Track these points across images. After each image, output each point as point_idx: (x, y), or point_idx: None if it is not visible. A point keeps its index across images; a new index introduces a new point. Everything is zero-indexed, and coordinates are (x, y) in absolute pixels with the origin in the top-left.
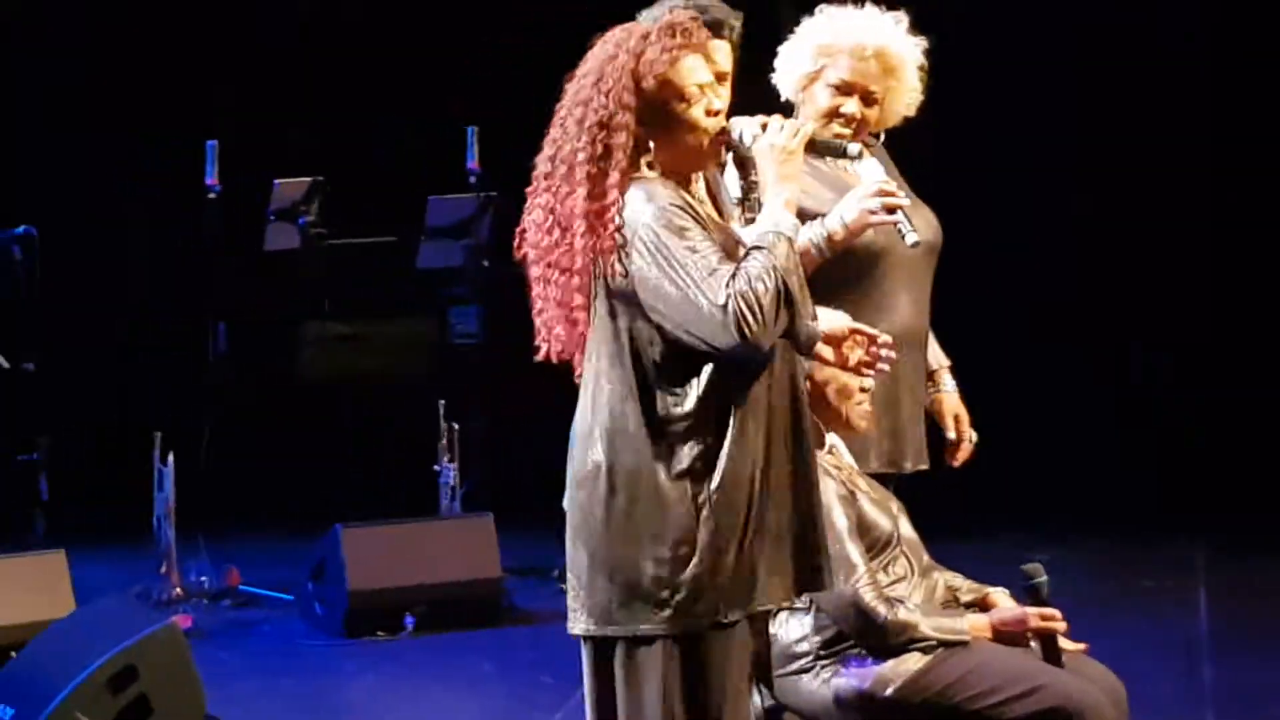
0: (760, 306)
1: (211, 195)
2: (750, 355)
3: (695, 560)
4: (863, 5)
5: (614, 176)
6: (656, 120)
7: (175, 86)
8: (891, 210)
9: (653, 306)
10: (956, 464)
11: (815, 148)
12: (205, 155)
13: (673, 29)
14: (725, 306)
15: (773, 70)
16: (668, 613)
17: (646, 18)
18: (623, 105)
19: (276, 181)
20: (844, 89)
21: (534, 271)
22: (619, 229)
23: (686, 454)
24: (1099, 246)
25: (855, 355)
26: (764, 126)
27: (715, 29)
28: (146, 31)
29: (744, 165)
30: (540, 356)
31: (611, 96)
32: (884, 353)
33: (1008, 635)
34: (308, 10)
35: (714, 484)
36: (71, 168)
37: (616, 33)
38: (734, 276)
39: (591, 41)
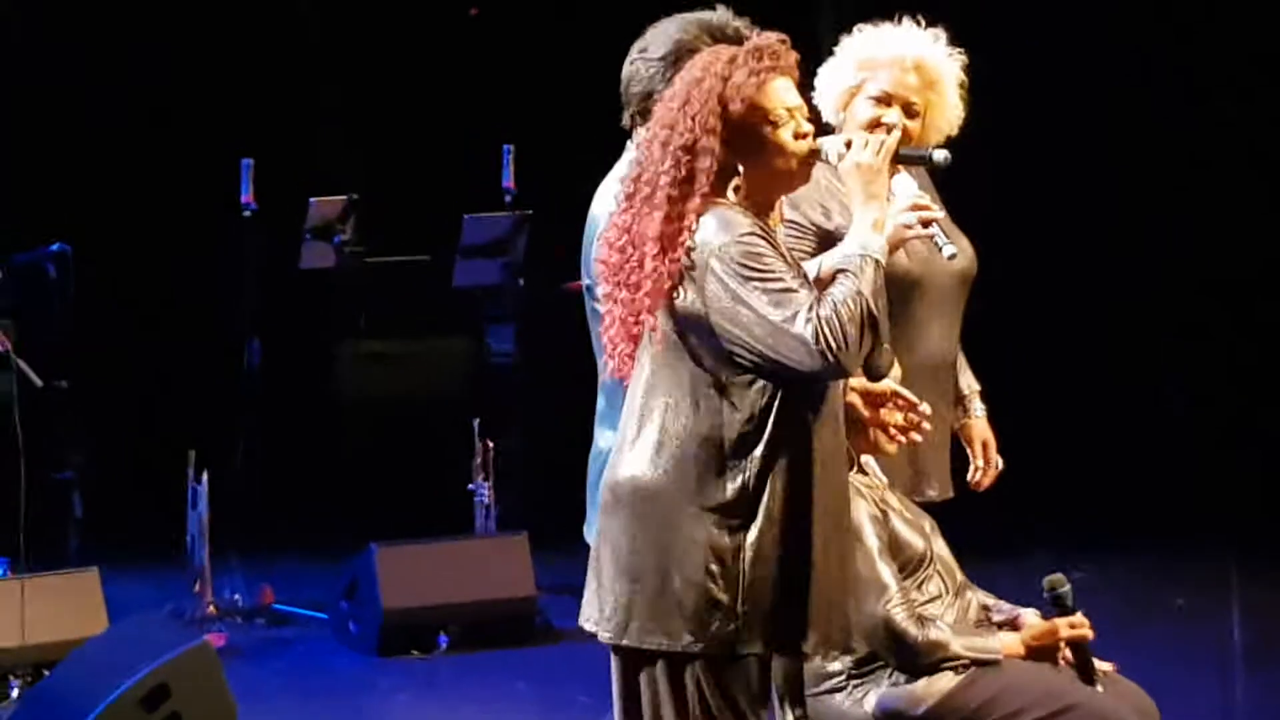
0: (847, 330)
1: (247, 214)
2: (835, 378)
3: (734, 583)
4: (900, 22)
5: (694, 200)
6: (744, 144)
7: (211, 104)
8: (927, 224)
9: (729, 330)
10: (981, 490)
11: (900, 159)
12: (241, 173)
13: (760, 52)
14: (812, 329)
15: (813, 90)
16: (696, 632)
17: (662, 32)
18: (707, 129)
19: (312, 200)
20: (885, 100)
21: (604, 289)
22: (689, 251)
23: (732, 481)
24: (1130, 254)
25: (894, 418)
26: (848, 145)
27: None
28: (182, 50)
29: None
30: (609, 374)
31: (697, 120)
32: (924, 425)
33: (1040, 650)
34: (343, 29)
35: (758, 516)
36: (106, 185)
37: (704, 55)
38: (819, 300)
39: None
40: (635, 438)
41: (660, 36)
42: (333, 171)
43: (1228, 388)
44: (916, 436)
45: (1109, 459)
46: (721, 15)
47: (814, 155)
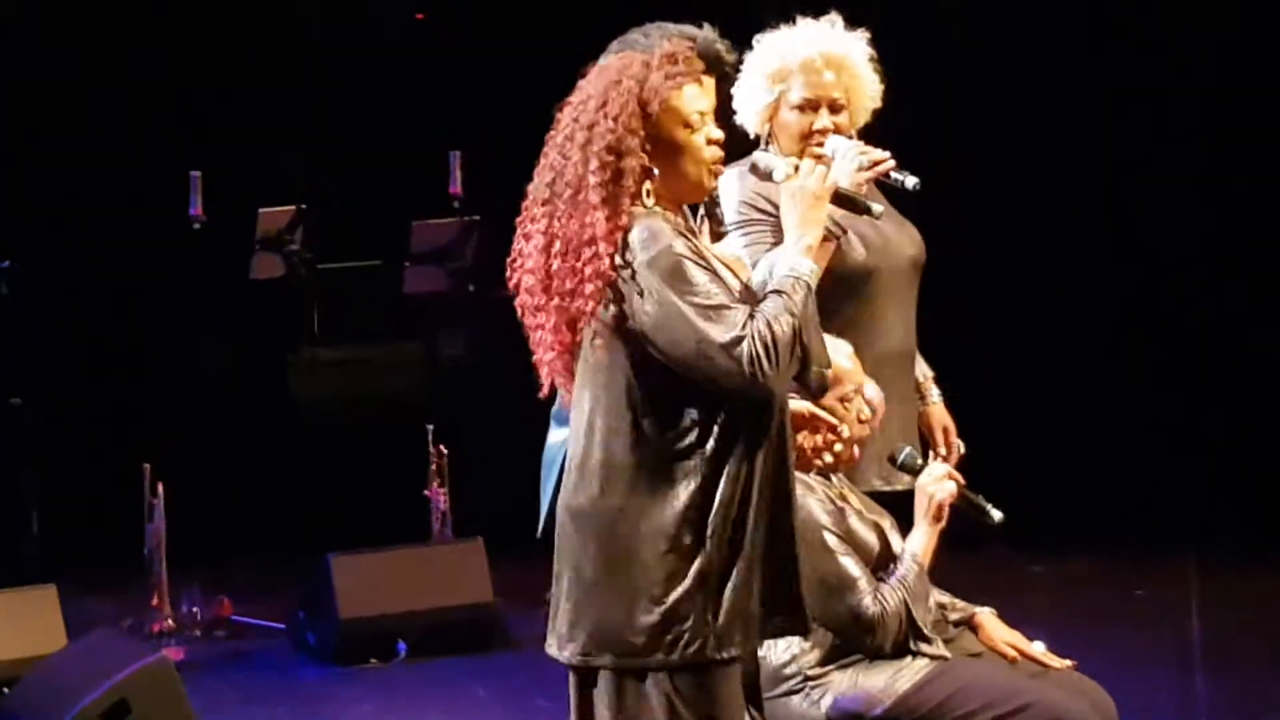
0: (775, 349)
1: (196, 226)
2: (757, 396)
3: (694, 596)
4: (794, 23)
5: (626, 201)
6: (660, 147)
7: (158, 118)
8: (877, 163)
9: (658, 343)
10: None
11: (838, 199)
12: (189, 186)
13: (674, 57)
14: (739, 347)
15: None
16: (664, 647)
17: (627, 43)
18: (630, 130)
19: (260, 211)
20: (809, 105)
21: (530, 300)
22: (623, 258)
23: (684, 490)
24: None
25: (811, 441)
26: (796, 169)
27: (710, 63)
28: (128, 63)
29: (712, 198)
30: (544, 394)
31: (620, 122)
32: (836, 447)
33: (937, 517)
34: (287, 38)
35: (712, 519)
36: (55, 201)
37: (615, 60)
38: (751, 318)
39: (583, 70)
40: (583, 460)
41: (622, 45)
42: (280, 182)
43: (1189, 382)
44: (828, 457)
45: (1067, 454)
46: (708, 34)
47: (719, 164)
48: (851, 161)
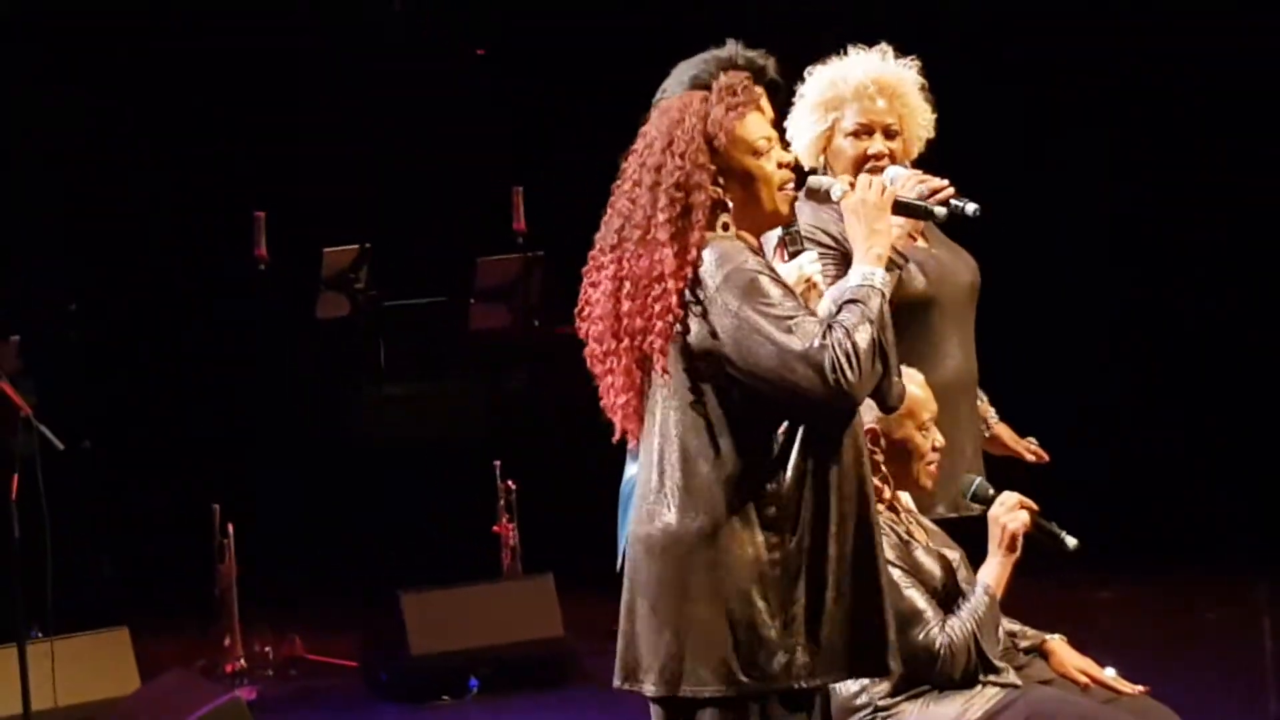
0: (857, 357)
1: (261, 266)
2: (842, 408)
3: (780, 621)
4: (845, 54)
5: (695, 235)
6: (731, 177)
7: (221, 159)
8: (936, 191)
9: (737, 360)
10: (1047, 461)
11: (899, 209)
12: (254, 226)
13: (732, 88)
14: (821, 356)
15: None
16: (743, 676)
17: (687, 71)
18: (698, 165)
19: (325, 250)
20: (863, 131)
21: (598, 348)
22: (693, 287)
23: (765, 515)
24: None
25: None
26: (852, 184)
27: (769, 89)
28: (191, 105)
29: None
30: (616, 439)
31: (687, 158)
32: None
33: (1011, 546)
34: (349, 77)
35: (793, 545)
36: (121, 243)
37: (675, 101)
38: (830, 328)
39: (644, 118)
40: (660, 487)
41: (678, 78)
42: (345, 221)
43: (1263, 406)
44: (886, 494)
45: (1136, 476)
46: (730, 48)
47: (797, 183)
48: (911, 190)
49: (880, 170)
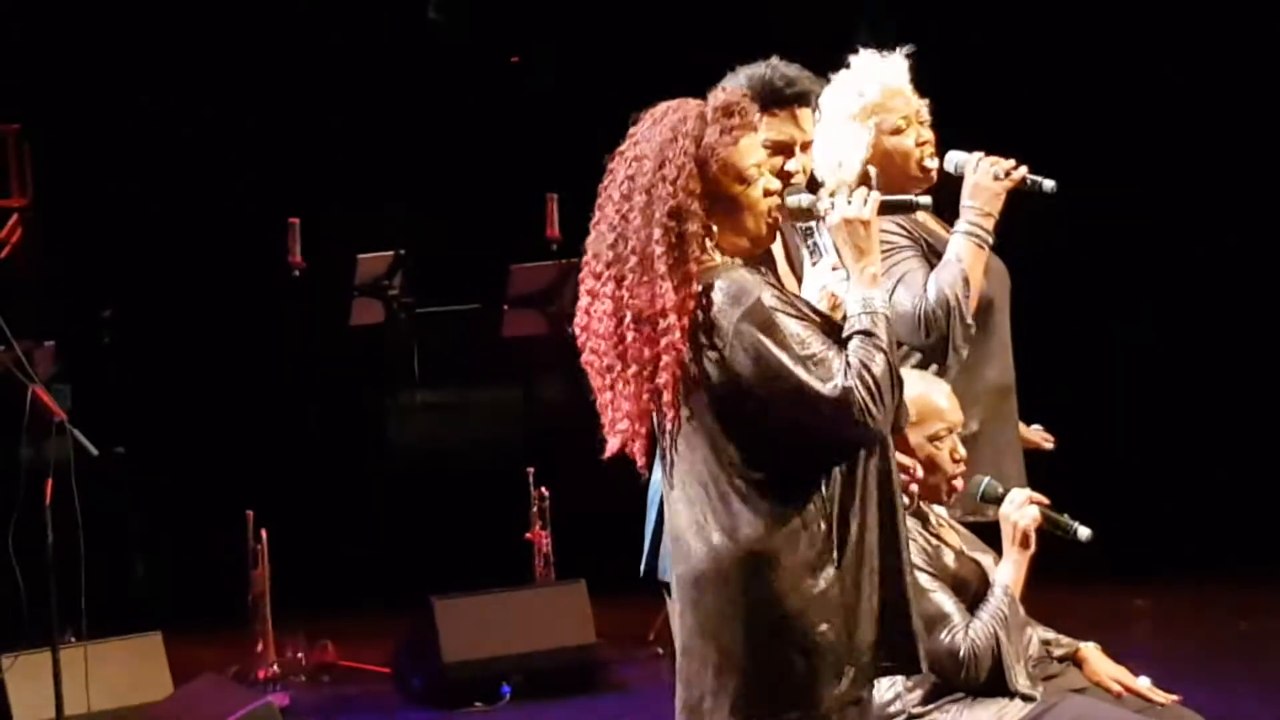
0: (880, 393)
1: (295, 273)
2: (866, 441)
3: (834, 641)
4: (843, 68)
5: (692, 267)
6: (718, 204)
7: (256, 165)
8: (1010, 171)
9: (763, 400)
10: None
11: (885, 209)
12: (288, 233)
13: (729, 109)
14: (845, 396)
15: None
16: (813, 697)
17: (730, 84)
18: (690, 192)
19: (360, 257)
20: (908, 123)
21: (599, 361)
22: (708, 323)
23: (807, 539)
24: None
25: None
26: (832, 195)
27: (803, 100)
28: (226, 111)
29: (807, 230)
30: (609, 453)
31: (679, 185)
32: (912, 487)
33: (1024, 542)
34: (384, 83)
35: (836, 564)
36: (155, 249)
37: (669, 114)
38: (848, 365)
39: (635, 117)
40: (699, 525)
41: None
42: (379, 227)
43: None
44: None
45: (1167, 485)
46: (770, 68)
47: (781, 211)
48: (986, 174)
49: (934, 155)
